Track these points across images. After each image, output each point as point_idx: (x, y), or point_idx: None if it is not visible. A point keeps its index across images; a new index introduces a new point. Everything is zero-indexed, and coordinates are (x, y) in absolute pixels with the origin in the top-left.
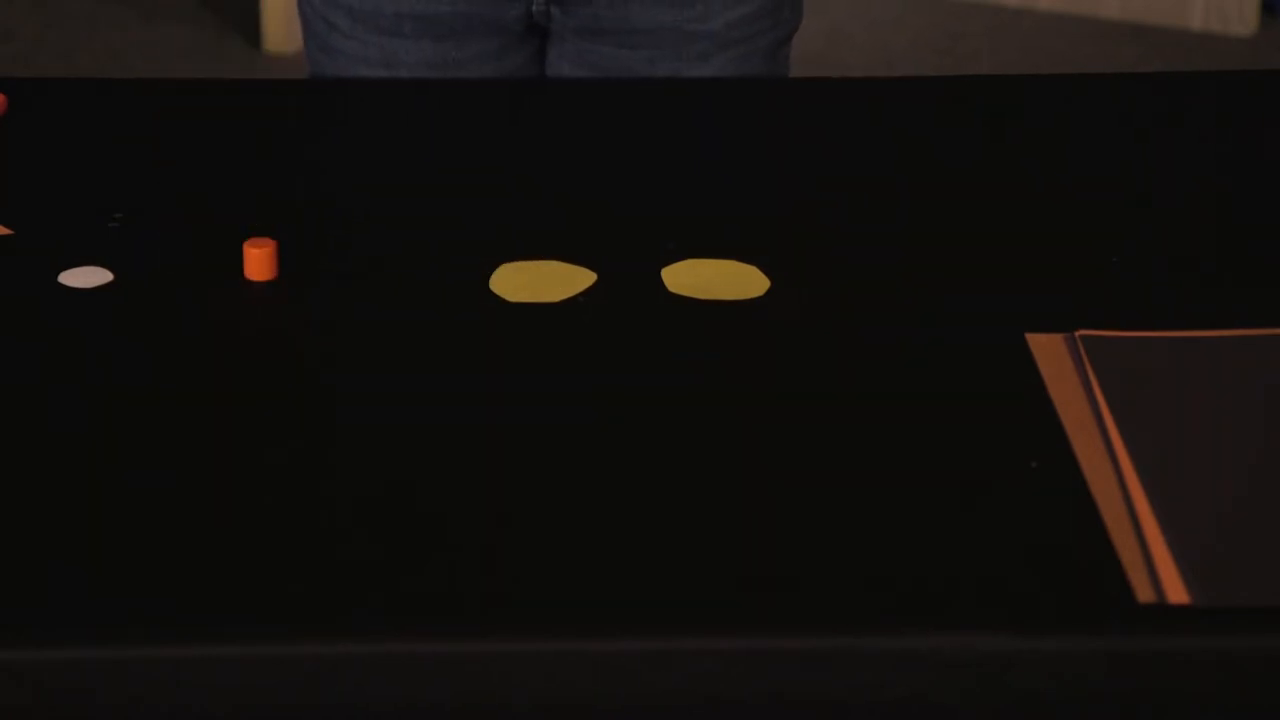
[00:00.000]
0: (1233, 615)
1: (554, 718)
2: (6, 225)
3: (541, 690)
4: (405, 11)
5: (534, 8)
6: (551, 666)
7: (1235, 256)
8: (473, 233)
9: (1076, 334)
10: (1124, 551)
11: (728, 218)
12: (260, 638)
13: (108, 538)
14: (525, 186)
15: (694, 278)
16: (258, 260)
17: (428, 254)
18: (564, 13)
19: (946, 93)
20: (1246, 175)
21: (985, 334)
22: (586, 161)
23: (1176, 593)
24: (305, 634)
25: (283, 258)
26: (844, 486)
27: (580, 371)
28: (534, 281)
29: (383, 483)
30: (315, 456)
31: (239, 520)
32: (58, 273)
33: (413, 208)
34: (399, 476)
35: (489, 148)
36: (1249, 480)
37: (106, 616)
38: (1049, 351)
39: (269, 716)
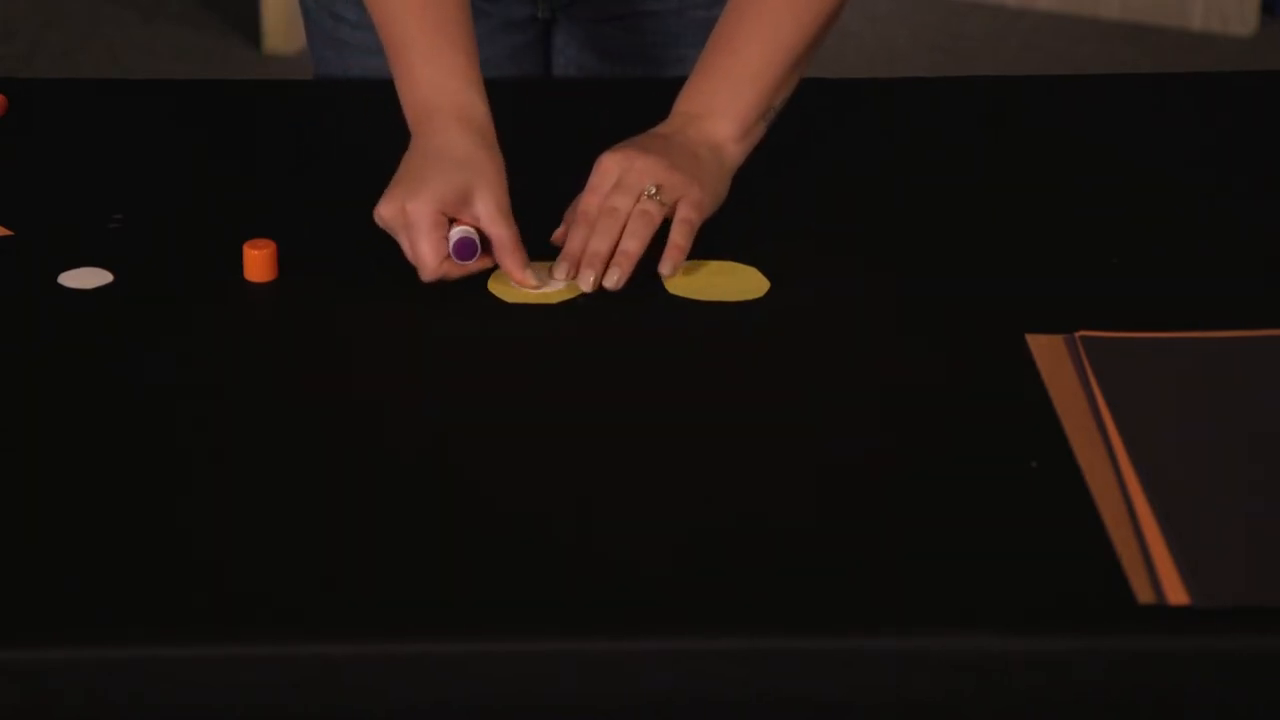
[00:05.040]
0: (1232, 615)
1: (554, 717)
2: (6, 225)
3: (541, 690)
4: None
5: (539, 13)
6: (551, 666)
7: (1235, 257)
8: None
9: (1076, 334)
10: (1124, 551)
11: (728, 218)
12: (260, 638)
13: (108, 537)
14: (525, 186)
15: (694, 278)
16: (258, 261)
17: None
18: (568, 18)
19: (946, 93)
20: (1246, 175)
21: (985, 334)
22: (586, 162)
23: (1176, 593)
24: (305, 634)
25: (282, 258)
26: (844, 487)
27: (580, 372)
28: None
29: (382, 482)
30: (315, 457)
31: (238, 519)
32: (58, 273)
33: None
34: (398, 476)
35: None
36: (1249, 480)
37: (106, 616)
38: (1049, 352)
39: (269, 716)
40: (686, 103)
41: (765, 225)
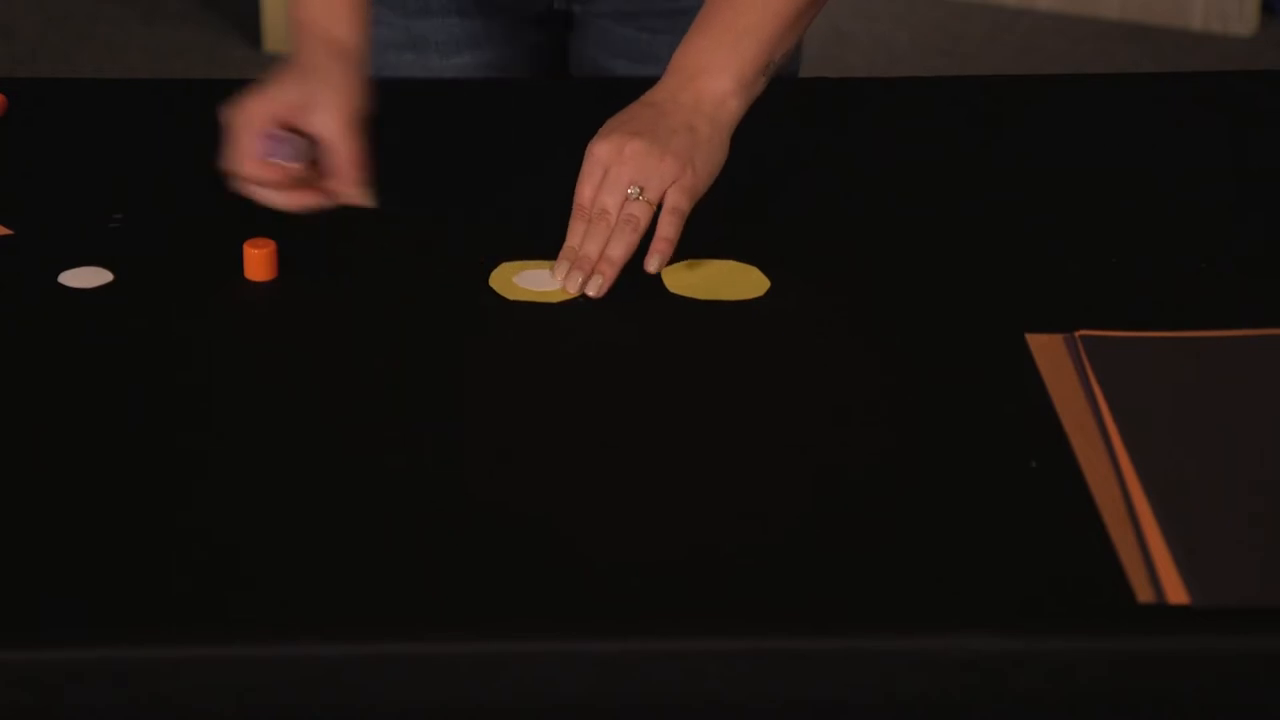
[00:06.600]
0: (1232, 615)
1: (554, 718)
2: (6, 225)
3: (541, 691)
4: None
5: (555, 4)
6: (551, 667)
7: (1235, 256)
8: (473, 232)
9: (1076, 334)
10: (1124, 551)
11: (728, 218)
12: (259, 638)
13: (108, 537)
14: (526, 185)
15: (694, 278)
16: (258, 260)
17: (428, 254)
18: (585, 13)
19: (946, 93)
20: (1246, 175)
21: (985, 334)
22: None
23: (1176, 593)
24: (305, 634)
25: (282, 258)
26: (844, 487)
27: (580, 371)
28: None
29: (382, 481)
30: (315, 456)
31: (238, 519)
32: (58, 273)
33: (413, 207)
34: (398, 475)
35: (489, 147)
36: (1249, 480)
37: (106, 616)
38: (1049, 351)
39: (269, 716)
40: (684, 57)
41: (765, 225)
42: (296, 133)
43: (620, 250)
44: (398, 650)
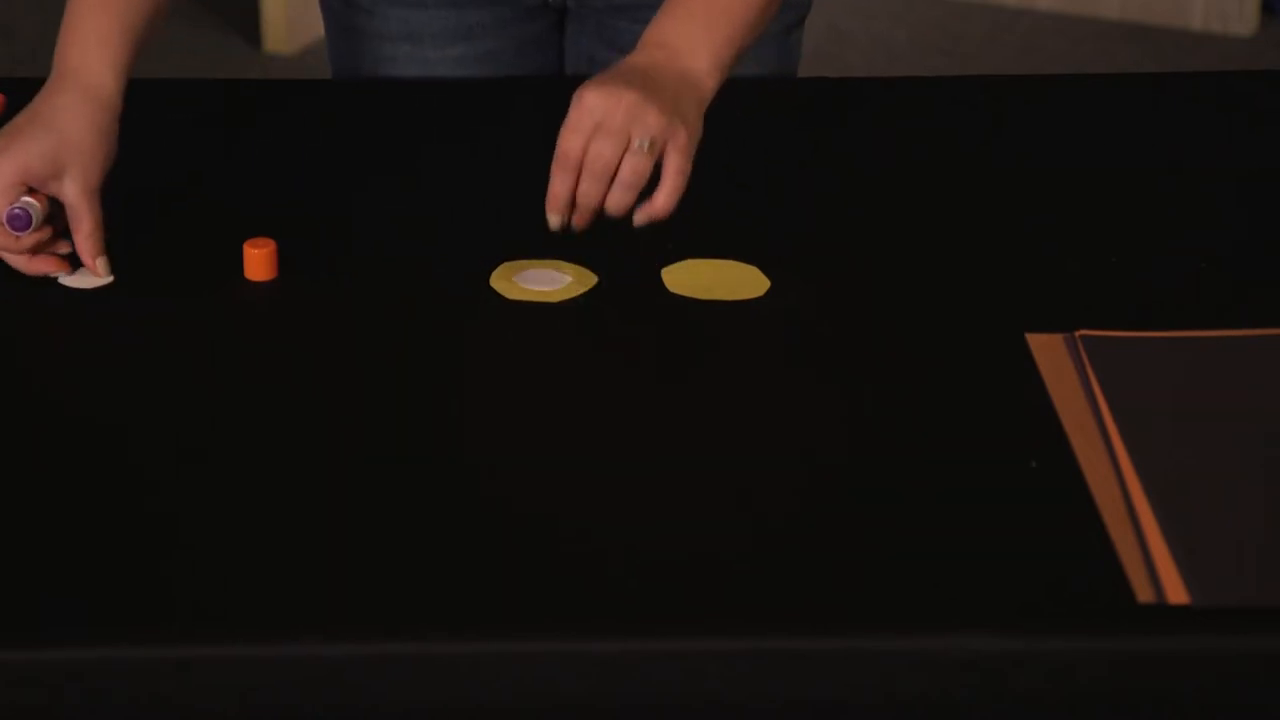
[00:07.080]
0: (1232, 615)
1: (554, 718)
2: None
3: (542, 690)
4: None
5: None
6: (551, 666)
7: (1235, 256)
8: (473, 232)
9: (1076, 334)
10: (1124, 551)
11: (728, 218)
12: (260, 638)
13: (109, 537)
14: (526, 185)
15: (694, 278)
16: (258, 260)
17: (428, 253)
18: (580, 5)
19: (946, 93)
20: (1246, 175)
21: (985, 334)
22: None
23: (1176, 593)
24: (305, 634)
25: (282, 258)
26: (844, 487)
27: (580, 371)
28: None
29: (382, 481)
30: (315, 456)
31: (238, 519)
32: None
33: (413, 207)
34: (398, 475)
35: (490, 146)
36: (1249, 480)
37: (106, 616)
38: (1049, 351)
39: (269, 716)
40: (662, 34)
41: (765, 225)
42: (38, 194)
43: (628, 199)
44: (399, 650)
